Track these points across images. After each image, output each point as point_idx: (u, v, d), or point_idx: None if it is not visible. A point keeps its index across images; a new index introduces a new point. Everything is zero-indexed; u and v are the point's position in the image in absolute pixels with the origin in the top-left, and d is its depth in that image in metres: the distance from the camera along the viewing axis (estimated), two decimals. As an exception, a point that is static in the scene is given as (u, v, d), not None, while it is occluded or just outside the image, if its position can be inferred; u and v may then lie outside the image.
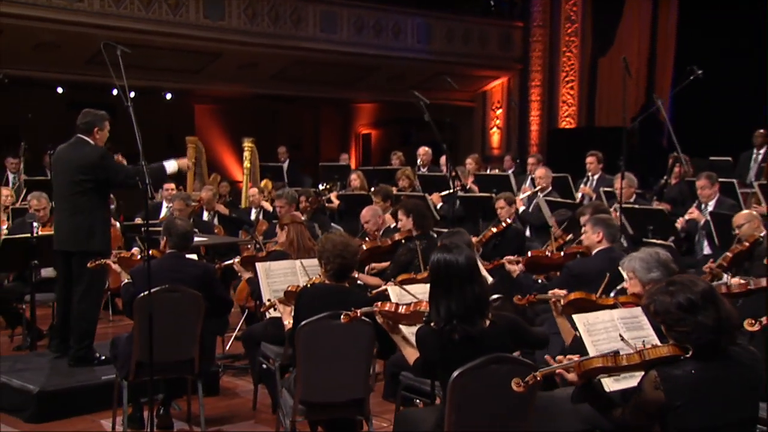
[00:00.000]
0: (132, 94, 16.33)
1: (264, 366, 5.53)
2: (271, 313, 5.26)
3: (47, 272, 7.21)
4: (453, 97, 18.99)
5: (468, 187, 10.19)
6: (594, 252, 5.67)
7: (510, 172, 12.44)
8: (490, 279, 5.95)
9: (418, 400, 4.78)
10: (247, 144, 10.85)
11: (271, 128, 18.74)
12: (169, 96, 15.96)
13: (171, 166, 6.17)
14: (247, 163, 10.75)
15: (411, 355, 3.91)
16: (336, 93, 18.12)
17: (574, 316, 3.79)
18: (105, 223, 6.08)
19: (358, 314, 4.12)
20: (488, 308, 3.69)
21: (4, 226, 7.94)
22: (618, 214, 7.35)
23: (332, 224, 9.08)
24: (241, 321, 7.40)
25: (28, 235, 6.72)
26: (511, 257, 6.31)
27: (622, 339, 3.55)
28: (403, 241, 6.60)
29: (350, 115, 21.06)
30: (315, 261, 5.02)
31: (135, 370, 5.11)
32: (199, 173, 11.12)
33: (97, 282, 6.09)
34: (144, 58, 13.94)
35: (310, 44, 15.21)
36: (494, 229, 7.62)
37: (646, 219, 7.89)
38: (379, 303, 4.10)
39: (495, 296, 4.66)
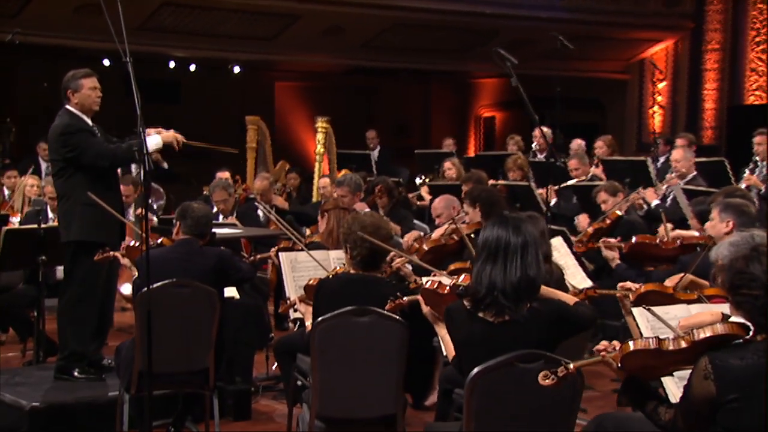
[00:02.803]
0: (192, 67, 17.11)
1: (299, 383, 5.78)
2: (292, 315, 5.51)
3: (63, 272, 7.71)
4: (600, 68, 18.90)
5: (591, 175, 10.19)
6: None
7: (662, 159, 12.34)
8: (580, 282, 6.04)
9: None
10: (321, 124, 11.23)
11: (369, 109, 19.14)
12: (237, 69, 16.55)
13: (153, 141, 6.40)
14: (319, 147, 11.13)
15: (453, 350, 4.12)
16: (449, 65, 18.31)
17: (635, 309, 3.86)
18: (87, 209, 6.33)
19: (405, 302, 4.34)
20: (535, 295, 3.92)
21: (17, 218, 8.52)
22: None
23: (417, 222, 9.27)
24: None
25: (34, 225, 7.20)
26: (611, 240, 6.36)
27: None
28: (471, 236, 6.73)
29: (468, 93, 21.21)
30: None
31: (137, 382, 5.45)
32: (262, 160, 11.57)
33: (87, 284, 6.40)
34: (205, 23, 14.60)
35: (409, 2, 15.46)
36: (598, 225, 7.65)
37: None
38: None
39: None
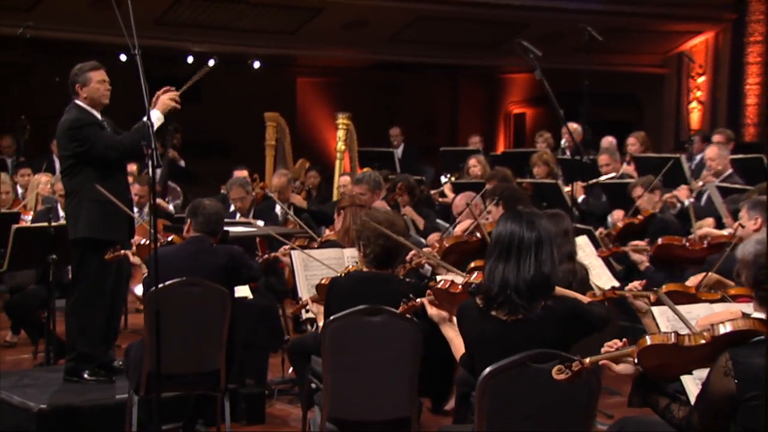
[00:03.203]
0: (211, 62, 17.23)
1: (314, 386, 5.81)
2: (304, 315, 5.54)
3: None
4: (636, 62, 18.80)
5: (622, 172, 10.17)
6: (746, 244, 5.64)
7: (699, 156, 12.29)
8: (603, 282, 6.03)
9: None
10: (342, 120, 11.27)
11: (393, 106, 19.16)
12: (257, 65, 16.61)
13: (155, 116, 6.29)
14: (340, 145, 11.17)
15: (460, 349, 4.13)
16: (477, 59, 18.30)
17: (655, 308, 3.87)
18: (95, 206, 6.39)
19: (418, 304, 4.37)
20: (550, 293, 3.93)
21: (29, 216, 8.61)
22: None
23: (440, 221, 9.29)
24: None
25: (45, 224, 7.28)
26: (640, 243, 6.35)
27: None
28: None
29: (498, 89, 21.19)
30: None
31: (147, 383, 5.51)
32: (281, 158, 11.63)
33: (96, 284, 6.45)
34: (224, 17, 14.68)
35: (436, -7, 15.51)
36: (629, 221, 7.64)
37: None
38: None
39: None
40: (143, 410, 5.73)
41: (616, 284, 6.51)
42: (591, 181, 9.78)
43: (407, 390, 4.70)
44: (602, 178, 9.96)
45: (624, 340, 3.47)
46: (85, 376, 6.55)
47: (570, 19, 16.70)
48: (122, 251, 6.20)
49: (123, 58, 15.55)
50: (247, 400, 6.55)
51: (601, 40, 9.55)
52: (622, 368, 3.48)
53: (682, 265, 6.42)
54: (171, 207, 10.81)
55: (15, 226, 7.49)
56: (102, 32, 14.11)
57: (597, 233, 7.87)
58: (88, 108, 6.52)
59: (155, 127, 5.89)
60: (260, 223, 8.52)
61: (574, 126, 12.26)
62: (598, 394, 3.74)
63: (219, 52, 16.10)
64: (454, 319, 4.23)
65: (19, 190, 11.13)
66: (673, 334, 3.29)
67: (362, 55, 17.38)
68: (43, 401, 6.13)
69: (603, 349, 3.55)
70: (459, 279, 4.38)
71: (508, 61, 18.60)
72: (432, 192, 10.97)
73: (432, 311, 4.30)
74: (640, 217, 7.95)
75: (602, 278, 6.52)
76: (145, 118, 5.42)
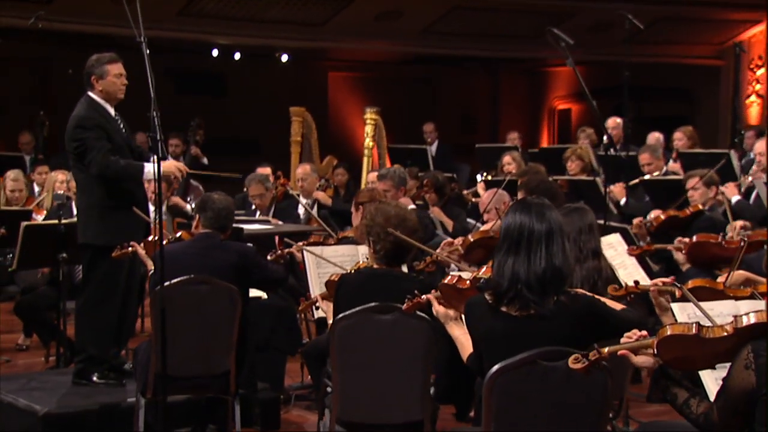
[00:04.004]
0: (237, 56, 17.38)
1: (330, 390, 5.87)
2: (315, 314, 5.61)
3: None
4: (689, 53, 18.67)
5: (666, 170, 10.14)
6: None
7: (752, 153, 12.23)
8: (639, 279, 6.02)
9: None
10: (370, 115, 11.35)
11: (430, 101, 19.19)
12: (285, 58, 16.74)
13: (149, 172, 6.46)
14: (368, 141, 11.24)
15: (468, 348, 4.18)
16: (519, 51, 18.28)
17: (675, 305, 3.89)
18: (107, 212, 6.51)
19: (423, 300, 4.41)
20: (563, 287, 3.96)
21: (41, 216, 8.75)
22: None
23: (470, 220, 9.31)
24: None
25: (55, 221, 7.40)
26: (684, 239, 6.32)
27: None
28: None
29: (541, 83, 21.16)
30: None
31: (153, 385, 5.59)
32: (307, 154, 11.72)
33: (107, 284, 6.55)
34: (250, 8, 14.80)
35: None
36: (674, 213, 7.60)
37: None
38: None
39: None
40: (151, 413, 5.81)
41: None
42: (632, 182, 9.71)
43: (420, 392, 4.75)
44: (646, 177, 9.91)
45: (645, 331, 3.48)
46: (95, 379, 6.65)
47: (618, 8, 16.64)
48: (130, 249, 6.27)
49: (147, 51, 15.75)
50: (262, 405, 6.61)
51: (642, 29, 9.48)
52: (642, 360, 3.48)
53: (718, 264, 6.40)
54: (189, 206, 10.93)
55: (24, 223, 7.60)
56: (123, 24, 14.19)
57: (634, 222, 7.84)
58: (102, 102, 6.63)
59: (144, 178, 6.39)
60: (280, 222, 8.61)
61: (617, 121, 12.26)
62: (612, 393, 3.76)
63: (245, 45, 16.27)
64: (462, 317, 4.27)
65: (36, 189, 11.30)
66: (694, 325, 3.31)
67: (397, 48, 17.42)
68: (49, 404, 6.24)
69: (622, 340, 3.56)
70: (467, 274, 4.42)
71: (553, 53, 18.41)
72: (465, 192, 11.00)
73: (438, 309, 4.33)
74: (687, 210, 7.83)
75: (635, 278, 6.51)
76: (146, 164, 5.70)
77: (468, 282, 4.28)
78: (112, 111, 6.66)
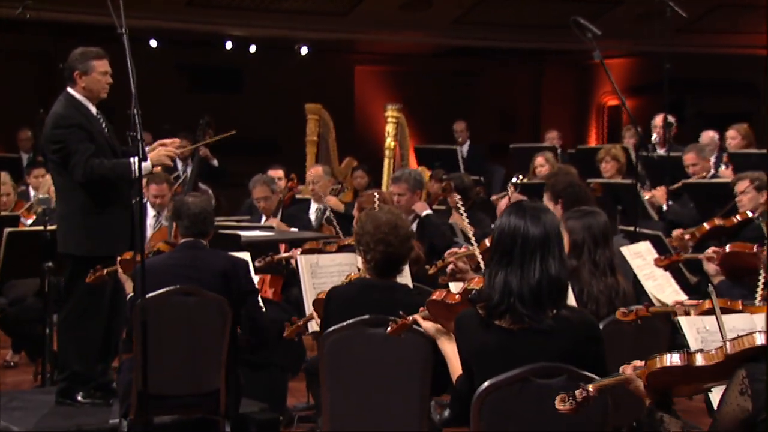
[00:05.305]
0: (252, 49, 17.41)
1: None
2: (310, 328, 5.65)
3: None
4: (754, 43, 18.53)
5: (713, 172, 10.07)
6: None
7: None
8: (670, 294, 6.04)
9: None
10: (391, 113, 11.38)
11: (466, 97, 19.17)
12: (305, 50, 16.80)
13: (144, 165, 6.38)
14: (390, 140, 11.27)
15: (458, 370, 4.19)
16: (564, 43, 18.20)
17: (682, 318, 3.91)
18: (90, 219, 6.58)
19: (409, 321, 4.43)
20: (562, 299, 3.98)
21: (30, 220, 8.84)
22: None
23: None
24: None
25: (40, 227, 7.48)
26: (717, 250, 6.29)
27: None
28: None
29: (589, 77, 21.06)
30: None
31: (137, 405, 5.65)
32: (324, 155, 11.78)
33: (91, 297, 6.63)
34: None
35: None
36: (719, 222, 7.57)
37: None
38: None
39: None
40: (136, 436, 5.88)
41: (682, 297, 6.52)
42: (674, 186, 9.65)
43: (417, 413, 4.77)
44: (691, 179, 9.86)
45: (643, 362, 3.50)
46: (79, 398, 6.74)
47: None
48: (104, 271, 6.31)
49: (153, 43, 15.91)
50: (259, 427, 6.66)
51: (685, 16, 9.44)
52: (640, 384, 3.51)
53: (753, 277, 6.35)
54: None
55: (7, 230, 7.67)
56: (131, 16, 14.31)
57: (674, 234, 7.80)
58: (83, 100, 6.70)
59: (134, 175, 6.01)
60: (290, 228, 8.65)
61: (669, 118, 12.19)
62: (612, 413, 3.78)
63: (260, 37, 16.32)
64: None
65: (32, 193, 11.41)
66: (682, 355, 3.34)
67: (429, 39, 17.41)
68: (27, 425, 6.37)
69: (621, 369, 3.59)
70: (456, 287, 4.42)
71: (601, 43, 18.40)
72: (494, 197, 11.01)
73: (426, 326, 4.34)
74: (734, 218, 7.72)
75: (665, 290, 6.49)
76: (132, 160, 5.63)
77: (458, 296, 4.28)
78: (93, 110, 6.73)
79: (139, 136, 5.38)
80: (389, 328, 4.42)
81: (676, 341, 5.61)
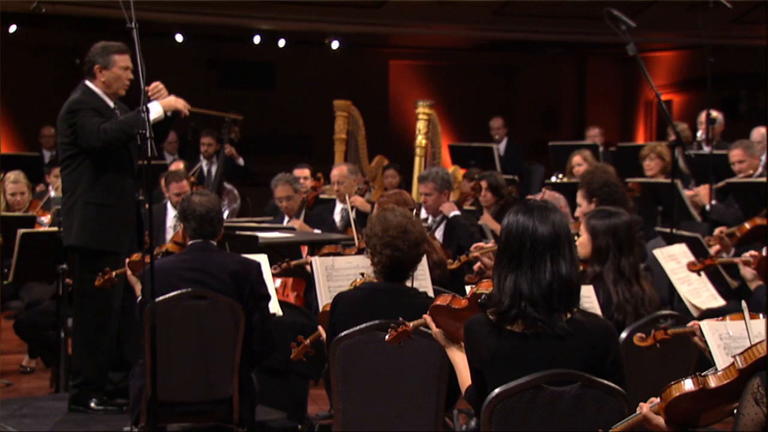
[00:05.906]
0: (281, 43, 17.43)
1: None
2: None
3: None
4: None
5: (760, 171, 10.00)
6: None
7: None
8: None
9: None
10: (422, 110, 11.38)
11: (507, 93, 19.14)
12: (336, 44, 16.84)
13: (153, 108, 6.50)
14: (420, 138, 11.27)
15: (467, 381, 4.18)
16: (610, 35, 18.05)
17: (704, 323, 3.89)
18: (90, 208, 6.68)
19: (410, 328, 4.42)
20: (574, 301, 3.97)
21: (46, 218, 8.91)
22: None
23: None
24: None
25: (55, 228, 7.54)
26: (754, 253, 6.26)
27: None
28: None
29: (637, 71, 20.95)
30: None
31: (147, 412, 5.69)
32: (353, 153, 11.80)
33: (100, 299, 6.73)
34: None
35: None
36: (761, 222, 7.51)
37: None
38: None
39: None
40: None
41: (720, 303, 6.48)
42: (718, 184, 9.59)
43: (433, 421, 4.78)
44: (735, 178, 9.79)
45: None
46: (92, 405, 6.80)
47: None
48: (113, 273, 6.33)
49: (179, 38, 15.99)
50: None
51: (730, 7, 9.40)
52: (660, 421, 3.51)
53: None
54: (227, 211, 11.02)
55: (21, 231, 7.74)
56: (152, 9, 14.46)
57: (715, 233, 7.75)
58: (100, 93, 6.75)
59: (151, 122, 5.82)
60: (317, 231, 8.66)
61: (714, 114, 12.12)
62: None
63: (291, 30, 16.36)
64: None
65: (52, 193, 11.51)
66: (694, 380, 3.34)
67: (467, 32, 17.38)
68: (37, 433, 6.42)
69: (638, 408, 3.60)
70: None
71: (649, 36, 18.35)
72: (529, 197, 10.99)
73: (436, 331, 4.31)
74: None
75: (701, 295, 6.47)
76: (141, 106, 5.61)
77: (465, 301, 4.24)
78: (111, 104, 6.78)
79: (148, 134, 5.37)
80: (388, 336, 4.38)
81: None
